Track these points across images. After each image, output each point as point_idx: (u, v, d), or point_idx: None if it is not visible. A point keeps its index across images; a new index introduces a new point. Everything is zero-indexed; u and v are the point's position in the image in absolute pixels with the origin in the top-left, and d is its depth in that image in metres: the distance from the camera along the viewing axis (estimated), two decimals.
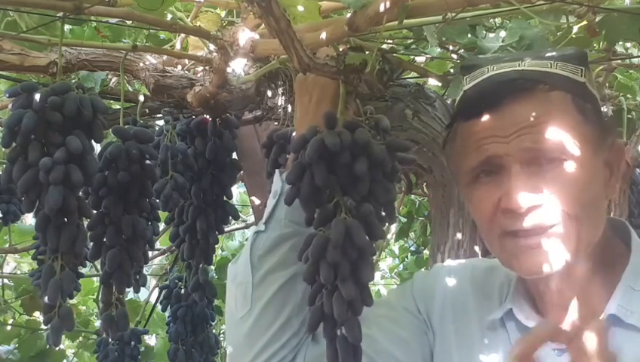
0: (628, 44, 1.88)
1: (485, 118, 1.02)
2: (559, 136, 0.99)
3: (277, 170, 1.17)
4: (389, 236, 3.37)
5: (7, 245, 2.77)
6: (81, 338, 2.89)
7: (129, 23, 1.55)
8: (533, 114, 0.99)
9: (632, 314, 1.01)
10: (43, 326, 2.58)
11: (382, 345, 1.14)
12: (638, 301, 1.02)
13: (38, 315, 2.78)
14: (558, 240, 0.99)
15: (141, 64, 1.53)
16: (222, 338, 3.15)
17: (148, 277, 2.17)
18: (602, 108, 1.83)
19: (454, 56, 1.65)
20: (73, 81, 1.46)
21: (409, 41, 1.61)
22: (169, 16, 1.40)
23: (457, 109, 1.12)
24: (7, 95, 1.31)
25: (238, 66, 1.52)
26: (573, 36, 1.34)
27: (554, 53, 1.06)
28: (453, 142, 1.09)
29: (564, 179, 0.99)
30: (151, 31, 1.67)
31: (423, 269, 1.32)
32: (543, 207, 0.99)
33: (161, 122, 1.74)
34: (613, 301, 1.02)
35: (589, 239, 1.02)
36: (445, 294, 1.18)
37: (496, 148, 1.01)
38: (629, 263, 1.05)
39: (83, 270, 1.66)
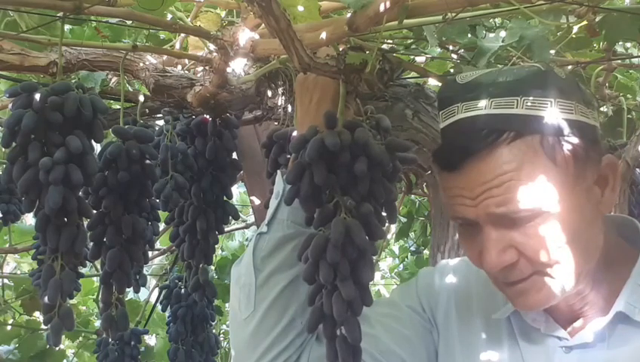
0: (628, 44, 1.88)
1: (453, 175, 1.00)
2: (526, 193, 0.95)
3: (279, 171, 1.17)
4: (389, 236, 3.37)
5: (7, 245, 2.77)
6: (81, 338, 2.89)
7: (129, 22, 1.55)
8: (496, 172, 0.96)
9: (639, 311, 1.01)
10: (43, 326, 2.58)
11: (386, 344, 1.14)
12: None
13: (38, 315, 2.78)
14: (545, 283, 0.99)
15: (141, 64, 1.53)
16: (222, 338, 3.15)
17: (148, 277, 2.18)
18: (602, 108, 1.83)
19: (454, 56, 1.65)
20: (73, 81, 1.46)
21: (409, 41, 1.61)
22: (169, 16, 1.40)
23: (433, 154, 1.08)
24: (7, 95, 1.31)
25: (238, 66, 1.52)
26: (574, 36, 1.34)
27: (522, 84, 0.99)
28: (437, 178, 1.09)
29: (536, 233, 0.97)
30: (151, 31, 1.67)
31: (426, 267, 1.33)
32: (520, 262, 0.99)
33: (161, 122, 1.74)
34: (621, 298, 1.02)
35: (581, 267, 1.00)
36: (450, 292, 1.19)
37: (465, 210, 1.00)
38: (638, 262, 1.05)
39: (83, 270, 1.66)
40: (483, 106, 0.99)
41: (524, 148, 0.96)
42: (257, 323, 1.11)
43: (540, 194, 0.96)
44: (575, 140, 0.98)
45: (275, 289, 1.11)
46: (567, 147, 0.98)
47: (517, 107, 0.97)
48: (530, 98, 0.97)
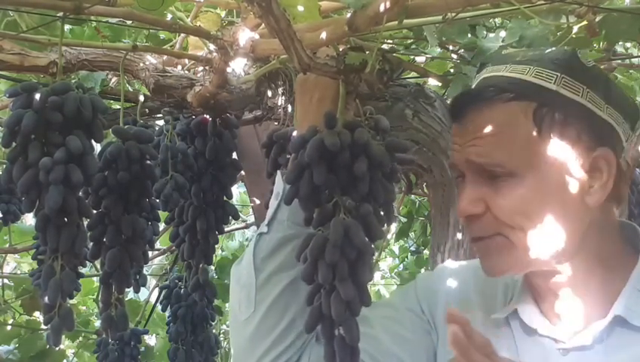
0: (628, 44, 1.88)
1: (455, 124, 1.07)
2: (504, 150, 1.00)
3: (279, 171, 1.17)
4: (389, 236, 3.37)
5: (7, 245, 2.77)
6: (81, 338, 2.89)
7: (129, 22, 1.55)
8: (486, 125, 1.02)
9: (638, 315, 1.01)
10: (43, 326, 2.58)
11: (386, 345, 1.14)
12: None
13: (38, 315, 2.78)
14: (505, 247, 1.02)
15: (141, 64, 1.53)
16: (222, 338, 3.15)
17: (148, 277, 2.17)
18: None
19: (454, 56, 1.65)
20: (73, 81, 1.46)
21: (409, 41, 1.61)
22: (169, 16, 1.40)
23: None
24: (7, 95, 1.31)
25: (238, 66, 1.52)
26: (574, 36, 1.34)
27: (539, 56, 1.05)
28: None
29: (507, 193, 1.00)
30: (151, 31, 1.67)
31: (425, 269, 1.33)
32: (483, 218, 1.02)
33: (161, 122, 1.74)
34: (620, 302, 1.02)
35: (547, 246, 1.01)
36: (449, 294, 1.18)
37: (455, 156, 1.06)
38: (637, 265, 1.04)
39: (83, 270, 1.66)
40: (501, 70, 1.07)
41: (517, 110, 1.02)
42: (257, 323, 1.11)
43: (516, 156, 1.00)
44: (569, 119, 1.01)
45: (275, 289, 1.11)
46: (557, 121, 1.01)
47: (526, 74, 1.03)
48: (538, 68, 1.03)
